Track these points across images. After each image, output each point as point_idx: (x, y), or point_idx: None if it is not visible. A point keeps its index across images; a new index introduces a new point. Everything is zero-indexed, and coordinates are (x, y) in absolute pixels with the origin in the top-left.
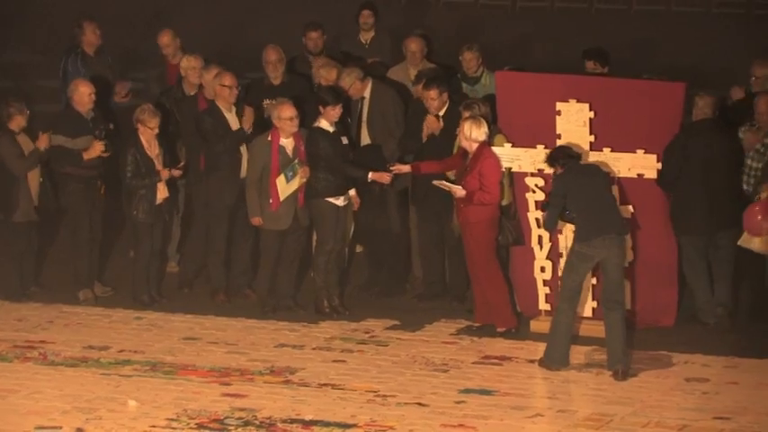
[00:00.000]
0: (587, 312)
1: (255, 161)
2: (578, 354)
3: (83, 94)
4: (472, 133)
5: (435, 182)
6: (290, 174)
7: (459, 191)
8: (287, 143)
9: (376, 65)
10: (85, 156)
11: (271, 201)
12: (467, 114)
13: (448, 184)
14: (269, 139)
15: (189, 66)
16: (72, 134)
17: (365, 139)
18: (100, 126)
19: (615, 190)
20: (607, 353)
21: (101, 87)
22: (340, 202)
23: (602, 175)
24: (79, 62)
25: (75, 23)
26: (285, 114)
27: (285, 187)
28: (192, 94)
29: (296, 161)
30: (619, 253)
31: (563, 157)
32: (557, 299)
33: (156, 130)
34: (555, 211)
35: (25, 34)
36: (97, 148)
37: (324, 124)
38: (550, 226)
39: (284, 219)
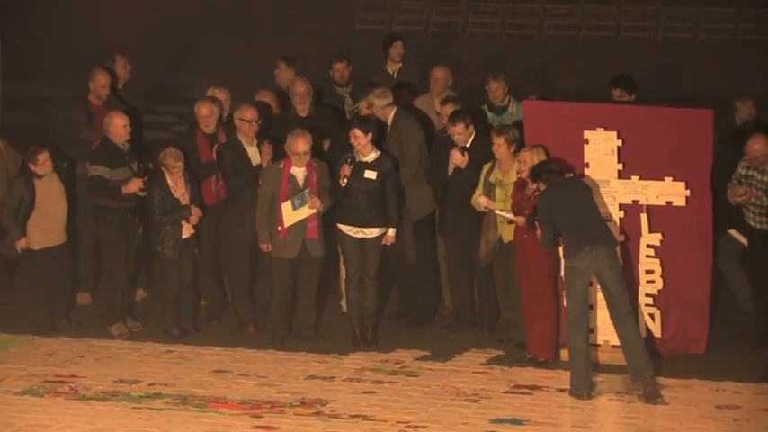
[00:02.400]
0: (616, 341)
1: (266, 188)
2: (609, 382)
3: (117, 126)
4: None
5: (497, 211)
6: (299, 202)
7: (520, 220)
8: (298, 172)
9: (403, 93)
10: (124, 190)
11: (279, 228)
12: (502, 139)
13: (508, 214)
14: (281, 166)
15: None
16: (110, 165)
17: None
18: (140, 164)
19: (603, 203)
20: (629, 367)
21: None
22: (353, 233)
23: (585, 188)
24: None
25: (108, 55)
26: (297, 149)
27: (291, 214)
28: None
29: (307, 190)
30: (610, 264)
31: (545, 172)
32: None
33: (182, 172)
34: (547, 228)
35: (51, 69)
36: (136, 185)
37: (358, 154)
38: (548, 244)
39: (290, 247)
